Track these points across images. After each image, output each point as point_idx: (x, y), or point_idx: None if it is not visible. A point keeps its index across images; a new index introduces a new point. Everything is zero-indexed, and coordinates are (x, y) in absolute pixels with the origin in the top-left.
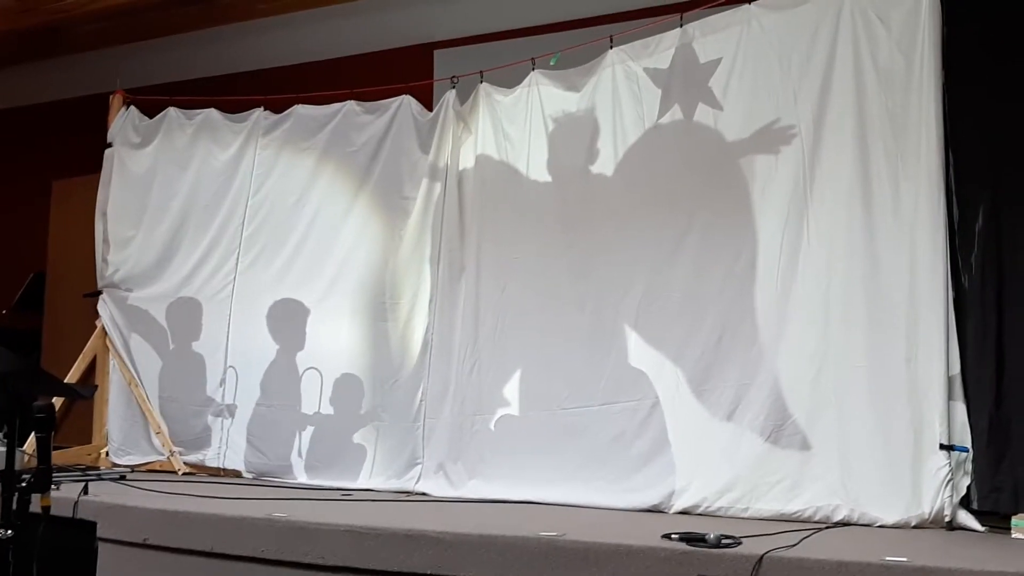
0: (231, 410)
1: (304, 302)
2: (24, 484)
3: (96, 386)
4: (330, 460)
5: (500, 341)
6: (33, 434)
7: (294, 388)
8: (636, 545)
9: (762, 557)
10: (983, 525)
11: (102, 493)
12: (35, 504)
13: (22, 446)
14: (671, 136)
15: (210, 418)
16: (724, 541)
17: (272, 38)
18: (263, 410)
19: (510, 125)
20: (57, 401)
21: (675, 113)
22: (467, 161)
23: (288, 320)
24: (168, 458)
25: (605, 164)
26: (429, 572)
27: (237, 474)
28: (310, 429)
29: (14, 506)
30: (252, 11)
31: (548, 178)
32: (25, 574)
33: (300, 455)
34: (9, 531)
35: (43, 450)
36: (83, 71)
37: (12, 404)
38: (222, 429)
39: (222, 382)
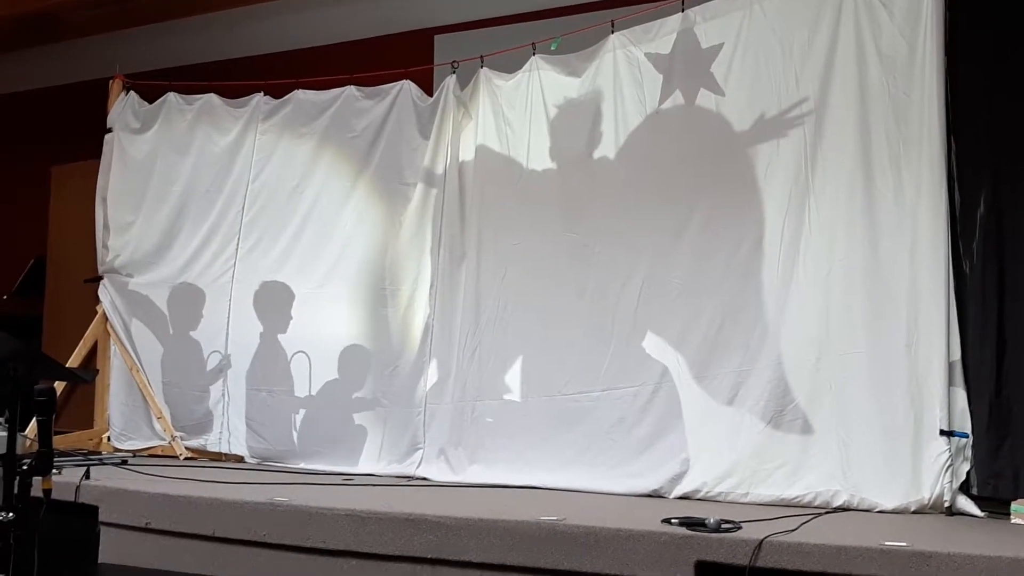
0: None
1: (301, 287)
2: (25, 467)
3: (97, 370)
4: (330, 445)
5: (501, 327)
6: (35, 418)
7: (291, 373)
8: (636, 529)
9: (762, 542)
10: (983, 511)
11: (104, 478)
12: (36, 488)
13: (23, 430)
14: (673, 121)
15: (211, 403)
16: (724, 526)
17: (272, 23)
18: (263, 395)
19: (511, 110)
20: (58, 386)
21: (676, 98)
22: (467, 146)
23: (283, 304)
24: (169, 443)
25: (606, 150)
26: (430, 556)
27: (239, 459)
28: (302, 412)
29: (15, 489)
30: None
31: (549, 164)
32: (26, 557)
33: (300, 440)
34: (10, 514)
35: (44, 433)
36: (80, 57)
37: (13, 388)
38: (223, 414)
39: (222, 364)
